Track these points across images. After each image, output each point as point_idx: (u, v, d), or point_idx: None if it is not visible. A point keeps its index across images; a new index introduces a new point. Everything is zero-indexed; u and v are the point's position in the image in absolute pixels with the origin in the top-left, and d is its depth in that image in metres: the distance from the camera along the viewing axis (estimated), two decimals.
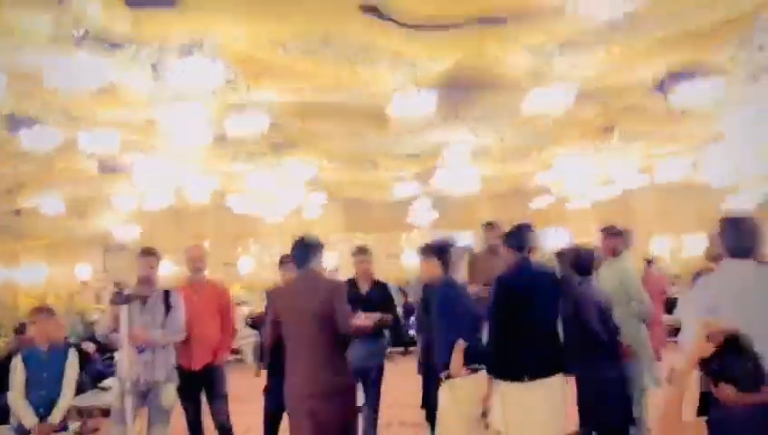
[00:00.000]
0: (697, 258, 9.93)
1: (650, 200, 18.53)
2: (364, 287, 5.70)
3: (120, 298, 4.64)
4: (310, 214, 17.83)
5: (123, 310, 4.58)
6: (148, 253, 5.07)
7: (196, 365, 5.32)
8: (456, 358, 4.20)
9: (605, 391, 4.66)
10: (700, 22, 7.17)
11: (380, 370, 5.76)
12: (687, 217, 17.77)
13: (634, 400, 5.08)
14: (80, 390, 7.05)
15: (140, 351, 4.72)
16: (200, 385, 5.36)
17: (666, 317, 9.74)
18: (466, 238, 8.15)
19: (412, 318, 6.74)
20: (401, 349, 13.45)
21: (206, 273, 5.75)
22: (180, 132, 10.30)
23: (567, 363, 5.71)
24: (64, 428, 5.51)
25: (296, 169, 13.87)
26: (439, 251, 4.61)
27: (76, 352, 5.53)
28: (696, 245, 15.52)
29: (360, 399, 5.53)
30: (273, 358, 5.00)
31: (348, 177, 15.75)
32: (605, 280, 5.27)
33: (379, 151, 13.34)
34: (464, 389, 4.27)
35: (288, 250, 4.62)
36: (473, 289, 5.39)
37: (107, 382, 7.06)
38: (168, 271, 13.96)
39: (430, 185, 15.23)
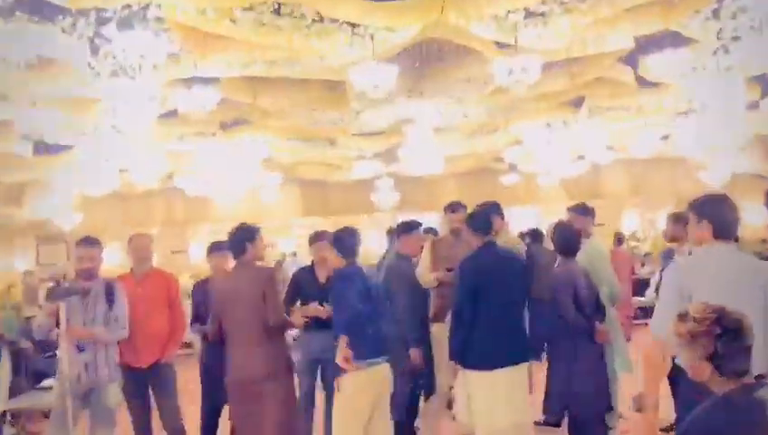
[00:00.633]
0: None
1: (621, 176, 18.82)
2: (322, 276, 5.63)
3: (57, 293, 4.51)
4: (265, 196, 17.69)
5: (62, 305, 4.46)
6: (89, 242, 4.92)
7: (143, 362, 5.20)
8: (339, 353, 4.16)
9: (584, 378, 4.69)
10: None
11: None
12: (659, 192, 18.10)
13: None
14: (17, 391, 6.92)
15: (81, 349, 4.60)
16: (147, 384, 5.26)
17: (634, 299, 9.90)
18: (431, 221, 8.14)
19: None
20: None
21: (153, 262, 5.64)
22: (123, 110, 10.06)
23: (539, 349, 5.78)
24: None
25: (249, 148, 13.70)
26: (335, 239, 4.61)
27: (8, 352, 5.40)
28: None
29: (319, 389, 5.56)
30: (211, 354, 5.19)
31: (305, 156, 15.65)
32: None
33: (338, 129, 13.27)
34: (350, 385, 4.22)
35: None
36: (435, 275, 5.40)
37: (47, 382, 6.93)
38: (113, 262, 13.74)
39: (392, 165, 15.23)
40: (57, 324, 4.55)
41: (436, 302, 5.52)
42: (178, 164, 15.36)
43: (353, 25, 7.93)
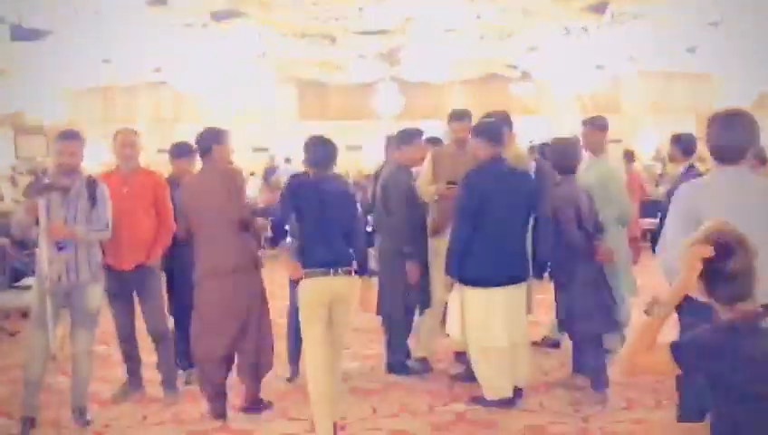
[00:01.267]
0: None
1: (641, 90, 18.60)
2: None
3: (36, 188, 4.52)
4: (258, 95, 17.52)
5: (41, 202, 4.48)
6: (70, 136, 4.89)
7: (127, 265, 5.25)
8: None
9: (583, 297, 4.75)
10: None
11: None
12: (681, 109, 17.90)
13: (616, 305, 5.20)
14: None
15: (60, 248, 4.64)
16: (131, 287, 5.33)
17: (646, 221, 9.94)
18: (435, 129, 8.08)
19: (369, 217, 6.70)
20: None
21: (139, 161, 5.63)
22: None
23: (541, 269, 5.84)
24: None
25: (243, 42, 13.46)
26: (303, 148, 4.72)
27: None
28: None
29: None
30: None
31: (302, 54, 15.38)
32: (585, 180, 5.26)
33: (339, 26, 13.00)
34: (302, 292, 4.38)
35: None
36: (435, 188, 5.40)
37: (25, 281, 7.03)
38: (96, 159, 13.72)
39: (395, 67, 15.02)
40: (36, 222, 4.58)
41: (436, 216, 5.55)
42: (167, 57, 15.13)
43: None
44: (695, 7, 11.74)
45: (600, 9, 12.14)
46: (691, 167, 5.16)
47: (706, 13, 11.83)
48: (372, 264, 5.59)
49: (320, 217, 4.41)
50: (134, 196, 5.25)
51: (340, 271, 4.38)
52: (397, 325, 5.63)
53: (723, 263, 2.12)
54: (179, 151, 5.87)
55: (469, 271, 4.61)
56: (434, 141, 6.61)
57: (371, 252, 5.64)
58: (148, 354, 5.41)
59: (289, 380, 5.51)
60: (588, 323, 4.80)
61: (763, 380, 2.10)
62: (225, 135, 4.95)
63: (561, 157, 5.02)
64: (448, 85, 17.38)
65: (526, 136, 11.01)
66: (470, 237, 4.58)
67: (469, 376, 5.04)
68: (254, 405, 4.87)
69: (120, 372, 5.53)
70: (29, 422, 4.61)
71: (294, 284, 4.68)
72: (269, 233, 6.95)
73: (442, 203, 5.41)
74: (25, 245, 7.43)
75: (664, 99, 18.61)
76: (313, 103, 18.97)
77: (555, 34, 13.17)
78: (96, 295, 4.84)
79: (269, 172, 14.49)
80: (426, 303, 5.62)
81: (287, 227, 4.94)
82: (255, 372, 4.85)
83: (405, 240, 5.35)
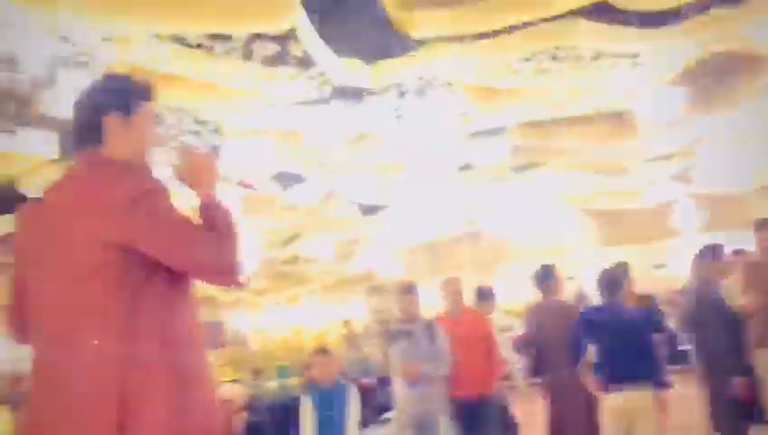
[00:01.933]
0: None
1: None
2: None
3: (387, 335, 5.00)
4: (561, 230, 17.50)
5: (393, 346, 4.91)
6: (408, 289, 5.35)
7: (469, 394, 5.46)
8: None
9: None
10: None
11: None
12: None
13: None
14: (365, 422, 7.62)
15: (413, 384, 4.99)
16: (476, 414, 5.49)
17: None
18: (741, 241, 7.40)
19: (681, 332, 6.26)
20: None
21: (464, 303, 5.93)
22: (427, 167, 10.82)
23: None
24: None
25: (543, 188, 13.77)
26: None
27: (356, 389, 5.99)
28: None
29: None
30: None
31: (598, 188, 15.20)
32: None
33: (629, 157, 12.71)
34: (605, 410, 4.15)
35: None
36: (750, 299, 4.90)
37: (388, 415, 7.52)
38: (430, 303, 14.58)
39: (690, 185, 14.12)
40: (391, 362, 4.99)
41: (757, 327, 5.01)
42: (479, 210, 15.91)
43: (634, 55, 7.66)
44: None
45: None
46: None
47: None
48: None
49: (616, 338, 4.35)
50: (465, 333, 5.51)
51: (637, 385, 4.22)
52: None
53: None
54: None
55: None
56: (739, 253, 6.08)
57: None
58: None
59: None
60: None
61: None
62: (555, 268, 5.56)
63: None
64: (748, 195, 15.83)
65: None
66: None
67: None
68: None
69: None
70: None
71: None
72: None
73: (761, 313, 4.89)
74: (387, 382, 8.03)
75: None
76: (612, 230, 18.36)
77: None
78: (446, 425, 5.06)
79: (581, 298, 14.14)
80: (759, 417, 4.99)
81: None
82: None
83: (725, 354, 4.88)
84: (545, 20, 6.49)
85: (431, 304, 14.01)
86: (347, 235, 16.89)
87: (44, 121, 5.07)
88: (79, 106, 2.00)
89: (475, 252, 20.19)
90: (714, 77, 8.33)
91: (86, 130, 1.94)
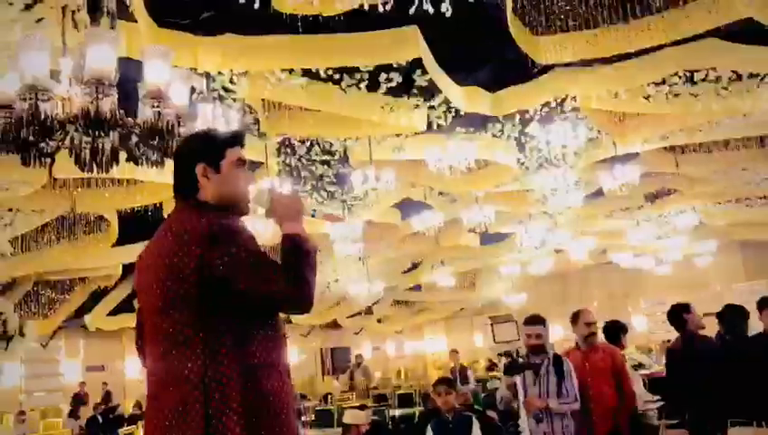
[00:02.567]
0: None
1: None
2: None
3: (512, 368, 4.88)
4: (701, 264, 16.54)
5: (518, 379, 4.80)
6: (535, 320, 5.22)
7: (599, 431, 5.25)
8: None
9: None
10: None
11: None
12: None
13: None
14: None
15: (539, 419, 4.85)
16: None
17: None
18: None
19: None
20: None
21: (597, 337, 5.71)
22: (552, 197, 10.61)
23: None
24: None
25: (679, 217, 13.15)
26: None
27: (478, 422, 5.89)
28: None
29: None
30: None
31: (742, 218, 14.26)
32: None
33: None
34: None
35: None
36: None
37: None
38: (557, 336, 14.15)
39: None
40: (516, 396, 4.88)
41: None
42: (610, 240, 15.38)
43: None
44: None
45: None
46: None
47: None
48: None
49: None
50: (595, 369, 5.29)
51: None
52: None
53: None
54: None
55: None
56: None
57: None
58: None
59: None
60: None
61: None
62: (690, 306, 5.30)
63: None
64: None
65: None
66: None
67: None
68: None
69: None
70: None
71: None
72: None
73: None
74: (510, 416, 7.85)
75: None
76: (759, 263, 17.12)
77: None
78: None
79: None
80: None
81: None
82: None
83: None
84: (678, 42, 6.23)
85: (559, 337, 13.64)
86: (469, 264, 16.81)
87: None
88: (174, 157, 2.25)
89: (607, 283, 19.49)
90: None
91: (180, 178, 2.17)
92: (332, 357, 22.52)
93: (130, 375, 17.20)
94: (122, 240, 10.33)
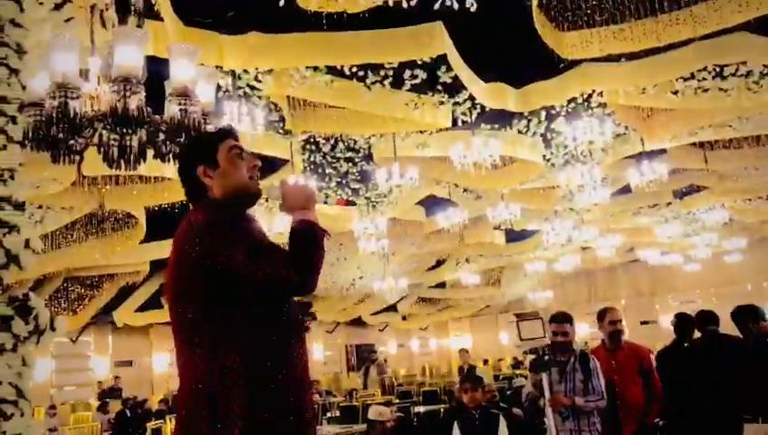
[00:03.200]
0: None
1: None
2: None
3: (538, 365, 4.84)
4: (731, 260, 16.30)
5: (544, 377, 4.76)
6: (561, 318, 5.18)
7: (624, 432, 5.20)
8: None
9: None
10: None
11: None
12: None
13: None
14: None
15: (564, 417, 4.81)
16: None
17: None
18: None
19: None
20: None
21: (624, 334, 5.65)
22: (579, 193, 10.53)
23: None
24: None
25: (708, 214, 12.96)
26: None
27: (504, 420, 5.86)
28: None
29: None
30: None
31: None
32: None
33: None
34: None
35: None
36: None
37: None
38: (584, 333, 14.06)
39: None
40: (542, 393, 4.84)
41: None
42: (637, 237, 15.22)
43: None
44: None
45: None
46: None
47: None
48: None
49: None
50: (622, 367, 5.24)
51: None
52: None
53: None
54: None
55: None
56: None
57: None
58: None
59: None
60: None
61: None
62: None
63: None
64: None
65: None
66: None
67: None
68: None
69: None
70: None
71: None
72: None
73: None
74: (536, 413, 7.80)
75: None
76: None
77: None
78: None
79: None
80: None
81: None
82: None
83: None
84: (708, 36, 6.14)
85: (586, 335, 13.51)
86: (494, 261, 16.74)
87: None
88: (178, 171, 2.29)
89: (634, 281, 19.30)
90: None
91: (188, 186, 2.23)
92: (357, 354, 22.57)
93: (158, 370, 17.40)
94: (150, 237, 10.46)
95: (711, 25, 5.95)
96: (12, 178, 2.74)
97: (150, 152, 3.21)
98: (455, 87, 7.13)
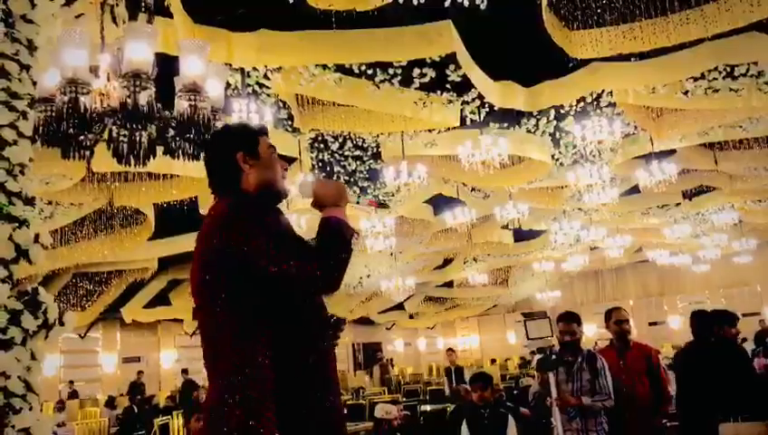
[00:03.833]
0: None
1: None
2: None
3: (545, 364, 4.83)
4: (740, 261, 16.21)
5: (551, 376, 4.74)
6: (569, 317, 5.17)
7: (631, 432, 5.18)
8: None
9: None
10: None
11: None
12: None
13: None
14: None
15: (571, 416, 4.80)
16: None
17: None
18: None
19: None
20: None
21: (632, 334, 5.64)
22: (587, 193, 10.49)
23: None
24: None
25: (717, 215, 12.90)
26: None
27: (512, 418, 5.85)
28: None
29: None
30: None
31: None
32: None
33: None
34: None
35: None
36: None
37: None
38: (592, 333, 14.01)
39: None
40: (549, 393, 4.83)
41: None
42: (646, 237, 15.16)
43: None
44: None
45: None
46: None
47: None
48: None
49: None
50: (629, 367, 5.22)
51: None
52: None
53: None
54: None
55: None
56: None
57: None
58: None
59: None
60: None
61: None
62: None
63: None
64: None
65: None
66: None
67: None
68: None
69: None
70: None
71: None
72: None
73: None
74: (543, 412, 7.79)
75: None
76: None
77: None
78: None
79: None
80: None
81: None
82: None
83: None
84: (719, 36, 6.10)
85: (594, 335, 13.45)
86: (502, 260, 16.71)
87: None
88: (211, 150, 2.24)
89: (642, 281, 19.23)
90: None
91: (221, 169, 2.15)
92: (364, 352, 22.57)
93: (166, 367, 17.45)
94: (158, 234, 10.49)
95: (722, 25, 5.91)
96: (22, 173, 2.75)
97: (160, 149, 3.22)
98: (463, 86, 7.12)
